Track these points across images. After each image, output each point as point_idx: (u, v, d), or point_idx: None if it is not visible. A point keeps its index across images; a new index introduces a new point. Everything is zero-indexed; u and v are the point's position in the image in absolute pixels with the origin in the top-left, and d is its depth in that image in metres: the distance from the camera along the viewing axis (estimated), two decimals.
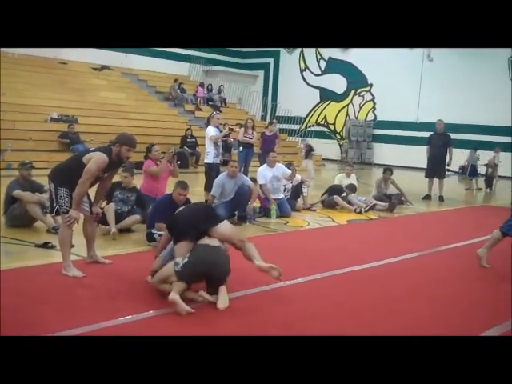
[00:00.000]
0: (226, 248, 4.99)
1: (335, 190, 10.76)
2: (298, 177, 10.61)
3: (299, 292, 5.25)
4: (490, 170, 16.70)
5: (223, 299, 4.53)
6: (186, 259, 4.56)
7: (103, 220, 6.89)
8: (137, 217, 7.42)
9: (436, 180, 13.04)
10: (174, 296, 4.36)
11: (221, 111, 22.01)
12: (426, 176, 13.25)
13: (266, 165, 9.90)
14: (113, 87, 21.63)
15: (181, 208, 5.52)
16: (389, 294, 5.34)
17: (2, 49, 18.93)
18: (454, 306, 5.04)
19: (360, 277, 5.90)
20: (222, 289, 4.60)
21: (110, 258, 5.89)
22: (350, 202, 10.48)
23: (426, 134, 13.83)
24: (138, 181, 8.18)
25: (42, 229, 7.25)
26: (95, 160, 5.27)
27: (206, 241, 4.79)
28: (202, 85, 24.13)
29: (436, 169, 13.01)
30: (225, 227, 4.98)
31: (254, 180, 9.32)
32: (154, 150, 8.18)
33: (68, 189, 5.29)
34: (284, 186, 10.09)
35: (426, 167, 13.39)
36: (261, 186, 9.35)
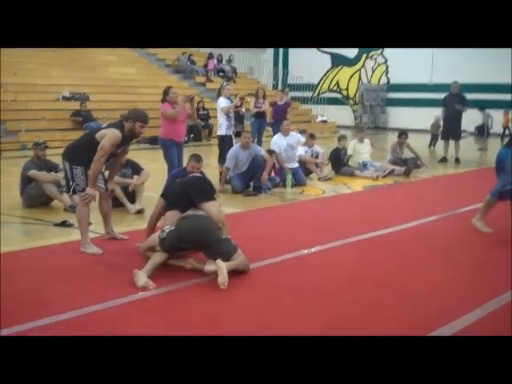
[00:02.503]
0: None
1: (337, 156, 10.78)
2: (320, 150, 10.56)
3: (315, 261, 5.26)
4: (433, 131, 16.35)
5: (222, 276, 4.33)
6: (173, 227, 4.75)
7: (118, 202, 6.95)
8: (143, 173, 7.54)
9: (452, 142, 12.91)
10: (136, 270, 4.48)
11: (235, 81, 21.88)
12: (442, 138, 13.14)
13: (279, 133, 9.86)
14: (122, 62, 21.51)
15: (180, 179, 5.56)
16: (408, 259, 5.33)
17: None
18: (473, 270, 5.02)
19: (377, 243, 5.89)
20: (220, 265, 4.41)
21: (127, 234, 5.94)
22: (364, 165, 10.69)
23: (441, 96, 13.63)
24: (153, 156, 8.18)
25: (59, 208, 7.31)
26: (109, 137, 5.27)
27: (191, 212, 4.96)
28: (210, 56, 23.85)
29: (452, 130, 12.88)
30: (211, 206, 5.05)
31: (270, 152, 9.20)
32: (171, 93, 8.09)
33: (83, 167, 5.31)
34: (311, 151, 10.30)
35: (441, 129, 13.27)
36: (275, 154, 9.29)
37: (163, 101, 8.11)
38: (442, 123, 13.65)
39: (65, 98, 17.01)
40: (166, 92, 8.12)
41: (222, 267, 4.39)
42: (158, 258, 4.69)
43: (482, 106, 18.07)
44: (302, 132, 10.85)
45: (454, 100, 12.68)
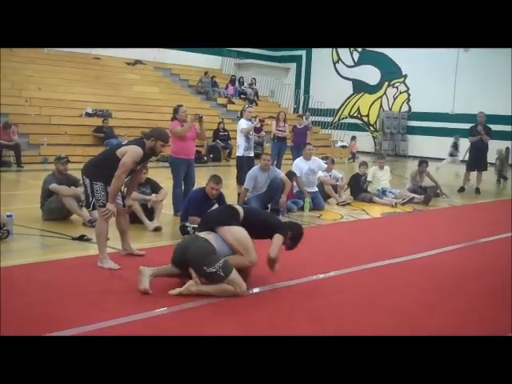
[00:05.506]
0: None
1: (357, 182, 10.76)
2: (339, 175, 10.56)
3: (331, 285, 5.21)
4: (498, 162, 15.96)
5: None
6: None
7: (135, 218, 7.02)
8: (161, 192, 7.62)
9: (474, 172, 12.81)
10: (142, 268, 4.68)
11: (256, 104, 22.04)
12: (469, 169, 12.97)
13: (302, 157, 9.86)
14: (146, 81, 21.80)
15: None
16: (423, 288, 5.25)
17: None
18: (489, 302, 4.95)
19: (394, 271, 5.83)
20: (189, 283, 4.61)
21: (144, 250, 5.95)
22: (383, 192, 10.64)
23: (462, 126, 13.59)
24: (170, 174, 8.22)
25: (77, 222, 7.35)
26: (131, 153, 5.31)
27: (201, 234, 4.94)
28: (231, 81, 24.00)
29: (478, 161, 12.78)
30: (225, 231, 4.89)
31: (290, 174, 9.18)
32: (181, 111, 8.15)
33: (103, 182, 5.35)
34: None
35: (466, 159, 13.16)
36: (295, 177, 9.28)
37: (173, 119, 8.22)
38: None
39: (88, 115, 17.24)
40: (176, 110, 8.22)
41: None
42: (165, 268, 4.81)
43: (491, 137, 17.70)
44: (325, 158, 10.85)
45: (480, 131, 12.59)
